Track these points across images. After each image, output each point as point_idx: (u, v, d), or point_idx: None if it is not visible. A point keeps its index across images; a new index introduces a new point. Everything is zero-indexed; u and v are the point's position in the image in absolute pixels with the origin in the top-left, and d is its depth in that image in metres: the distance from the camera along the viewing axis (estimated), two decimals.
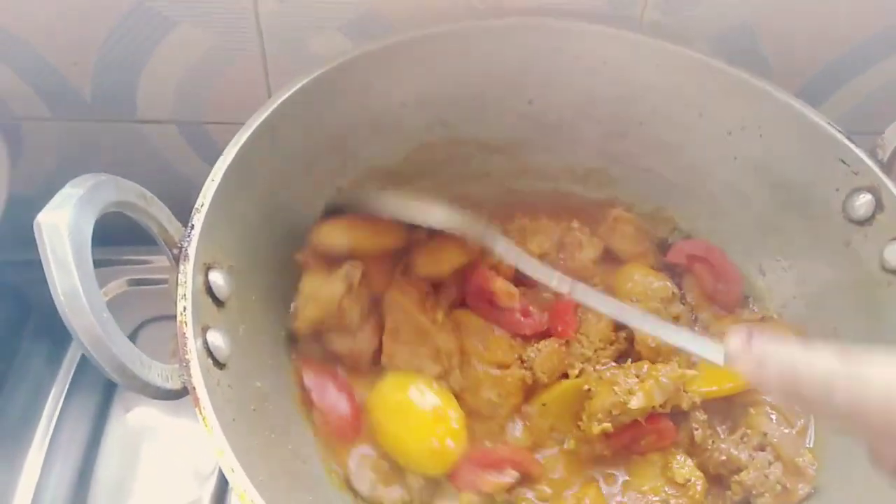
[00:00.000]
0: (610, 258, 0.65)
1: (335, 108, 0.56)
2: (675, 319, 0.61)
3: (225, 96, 0.65)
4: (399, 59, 0.58)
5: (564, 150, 0.65)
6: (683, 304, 0.63)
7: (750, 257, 0.64)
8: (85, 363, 0.64)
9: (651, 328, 0.49)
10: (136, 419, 0.62)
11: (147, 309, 0.66)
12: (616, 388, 0.52)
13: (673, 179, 0.65)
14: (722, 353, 0.41)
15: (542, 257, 0.62)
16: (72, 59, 0.61)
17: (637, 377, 0.53)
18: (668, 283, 0.62)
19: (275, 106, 0.51)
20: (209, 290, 0.44)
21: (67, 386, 0.62)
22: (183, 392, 0.39)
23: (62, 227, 0.34)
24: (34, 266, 0.69)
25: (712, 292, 0.64)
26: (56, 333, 0.65)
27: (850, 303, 0.55)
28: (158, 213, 0.42)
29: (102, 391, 0.62)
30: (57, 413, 0.61)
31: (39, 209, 0.59)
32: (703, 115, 0.61)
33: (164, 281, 0.70)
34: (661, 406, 0.53)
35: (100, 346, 0.34)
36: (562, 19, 0.60)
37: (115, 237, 0.51)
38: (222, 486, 0.58)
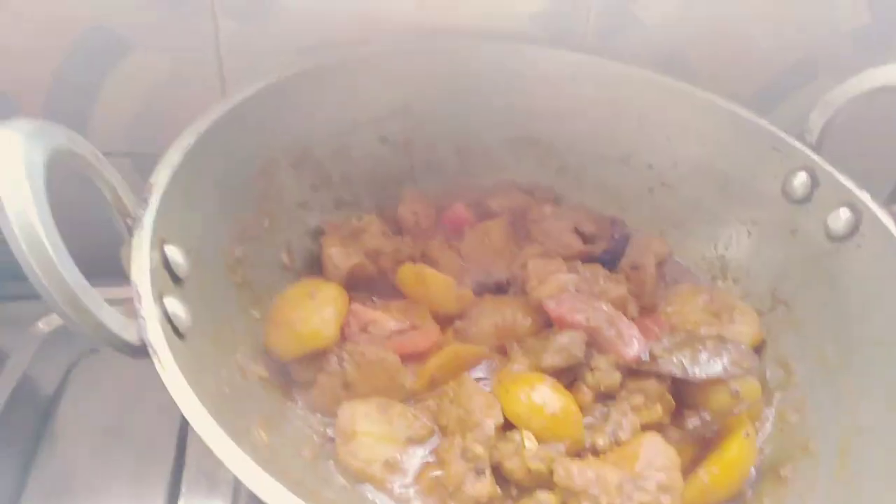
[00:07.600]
0: None
1: (291, 114, 0.57)
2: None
3: (181, 125, 0.65)
4: (349, 75, 0.60)
5: (512, 163, 0.68)
6: None
7: (708, 250, 0.65)
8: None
9: None
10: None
11: (85, 342, 0.61)
12: None
13: (622, 188, 0.67)
14: None
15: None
16: (24, 85, 0.60)
17: None
18: None
19: (232, 104, 0.52)
20: (166, 265, 0.42)
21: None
22: (140, 350, 0.36)
23: (15, 143, 0.31)
24: None
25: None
26: None
27: (805, 275, 0.57)
28: (112, 178, 0.40)
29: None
30: None
31: None
32: (643, 123, 0.65)
33: None
34: None
35: (52, 274, 0.31)
36: (506, 41, 0.64)
37: None
38: None
